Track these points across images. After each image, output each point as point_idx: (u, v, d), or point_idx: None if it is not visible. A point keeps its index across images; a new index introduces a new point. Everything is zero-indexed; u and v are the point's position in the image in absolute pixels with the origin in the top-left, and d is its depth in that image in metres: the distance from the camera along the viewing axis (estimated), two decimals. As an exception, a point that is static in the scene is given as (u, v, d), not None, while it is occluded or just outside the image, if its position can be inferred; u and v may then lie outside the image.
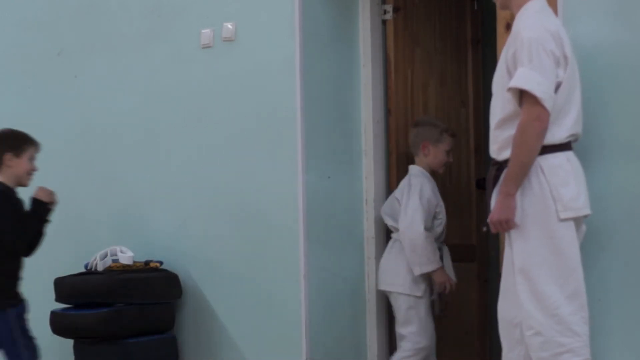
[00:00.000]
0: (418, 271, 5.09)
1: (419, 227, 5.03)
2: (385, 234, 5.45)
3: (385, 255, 5.26)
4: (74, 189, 5.75)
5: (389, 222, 5.26)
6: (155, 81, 5.55)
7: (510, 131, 3.93)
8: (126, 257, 5.28)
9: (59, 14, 5.89)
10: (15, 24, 6.03)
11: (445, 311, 5.26)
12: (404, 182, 5.25)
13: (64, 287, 5.26)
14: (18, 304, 4.77)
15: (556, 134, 3.91)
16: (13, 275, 4.78)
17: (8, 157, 4.78)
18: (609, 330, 4.17)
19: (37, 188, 4.87)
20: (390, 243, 5.28)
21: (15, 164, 4.79)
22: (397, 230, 5.20)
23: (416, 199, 5.10)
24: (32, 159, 4.84)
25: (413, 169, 5.29)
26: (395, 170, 5.49)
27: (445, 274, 5.13)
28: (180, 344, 5.34)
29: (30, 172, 4.83)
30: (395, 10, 5.52)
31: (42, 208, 4.84)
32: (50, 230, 5.80)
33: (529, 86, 3.84)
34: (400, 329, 5.13)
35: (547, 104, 3.84)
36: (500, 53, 4.19)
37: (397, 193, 5.25)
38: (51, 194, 4.86)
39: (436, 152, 5.24)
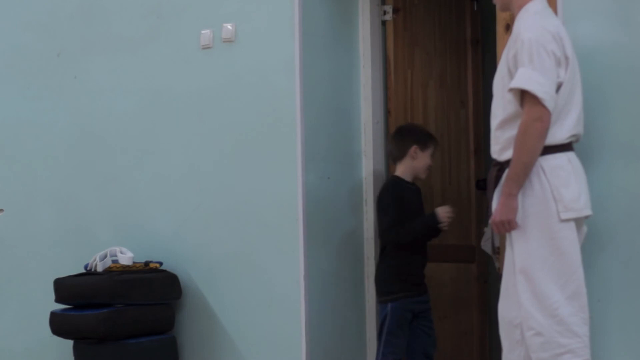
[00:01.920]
0: None
1: None
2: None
3: None
4: (74, 189, 5.75)
5: None
6: (155, 82, 5.55)
7: (512, 132, 3.93)
8: (126, 257, 5.28)
9: (58, 15, 5.89)
10: (15, 25, 6.02)
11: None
12: None
13: (64, 288, 5.25)
14: (398, 299, 4.97)
15: (557, 135, 3.92)
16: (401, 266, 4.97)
17: (414, 149, 5.03)
18: (608, 331, 4.17)
19: (444, 207, 4.98)
20: None
21: (420, 157, 5.04)
22: None
23: None
24: (432, 155, 5.09)
25: None
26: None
27: None
28: (180, 344, 5.33)
29: (429, 167, 5.08)
30: (395, 10, 5.52)
31: (433, 221, 4.93)
32: (50, 230, 5.84)
33: (530, 86, 3.84)
34: None
35: (549, 104, 3.84)
36: (500, 54, 4.19)
37: None
38: (448, 215, 4.94)
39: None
